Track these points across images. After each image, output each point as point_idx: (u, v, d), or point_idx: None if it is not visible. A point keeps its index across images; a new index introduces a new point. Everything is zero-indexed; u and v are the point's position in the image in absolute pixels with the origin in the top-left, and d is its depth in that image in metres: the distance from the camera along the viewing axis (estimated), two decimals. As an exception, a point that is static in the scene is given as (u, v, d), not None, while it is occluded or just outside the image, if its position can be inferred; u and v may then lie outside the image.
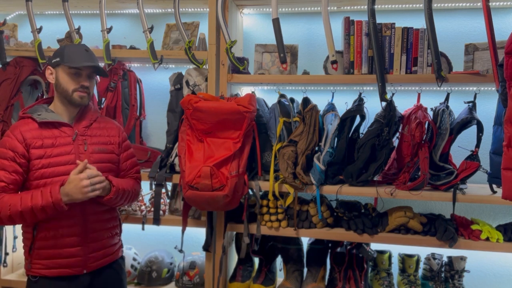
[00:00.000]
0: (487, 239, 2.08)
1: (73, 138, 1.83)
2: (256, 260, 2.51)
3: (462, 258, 2.27)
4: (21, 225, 1.84)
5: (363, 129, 2.22)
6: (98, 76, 2.28)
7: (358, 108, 2.18)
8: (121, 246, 2.05)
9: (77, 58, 1.82)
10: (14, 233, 2.65)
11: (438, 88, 2.12)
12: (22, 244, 1.87)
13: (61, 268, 1.81)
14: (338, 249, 2.37)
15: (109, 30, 2.38)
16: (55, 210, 1.72)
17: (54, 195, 1.70)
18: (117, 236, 2.02)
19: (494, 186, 2.09)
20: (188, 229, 2.32)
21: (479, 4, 2.26)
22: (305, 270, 2.38)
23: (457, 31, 2.44)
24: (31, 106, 1.90)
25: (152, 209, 2.39)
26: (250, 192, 2.28)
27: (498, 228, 2.17)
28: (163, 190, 2.31)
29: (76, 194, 1.71)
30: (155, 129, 2.77)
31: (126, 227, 2.28)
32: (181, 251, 2.34)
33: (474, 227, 2.13)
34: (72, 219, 1.81)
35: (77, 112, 1.90)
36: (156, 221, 2.38)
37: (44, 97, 2.27)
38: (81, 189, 1.71)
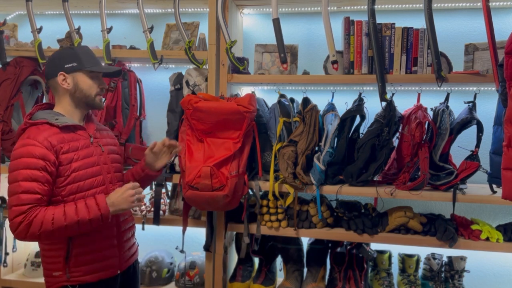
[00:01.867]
0: (487, 239, 2.08)
1: (91, 140, 1.82)
2: (256, 260, 2.51)
3: (462, 258, 2.27)
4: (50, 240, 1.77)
5: (363, 129, 2.22)
6: None
7: (358, 108, 2.18)
8: (138, 245, 2.09)
9: (95, 61, 1.83)
10: (14, 233, 2.65)
11: (438, 88, 2.12)
12: (43, 258, 1.80)
13: (101, 272, 1.79)
14: (338, 249, 2.38)
15: (109, 30, 2.38)
16: (102, 223, 1.70)
17: (102, 207, 1.67)
18: (134, 235, 2.05)
19: (494, 186, 2.09)
20: (188, 229, 2.32)
21: (479, 4, 2.26)
22: (305, 270, 2.38)
23: (457, 31, 2.44)
24: (33, 112, 1.79)
25: (152, 209, 2.39)
26: (250, 192, 2.28)
27: (498, 228, 2.17)
28: (163, 190, 2.31)
29: (122, 205, 1.71)
30: (155, 129, 2.77)
31: (126, 227, 2.28)
32: (182, 251, 2.33)
33: (474, 227, 2.13)
34: (109, 221, 1.78)
35: (85, 115, 1.88)
36: (156, 221, 2.38)
37: (44, 102, 2.23)
38: (127, 198, 1.71)
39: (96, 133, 1.87)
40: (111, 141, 1.96)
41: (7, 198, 2.53)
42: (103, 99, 1.89)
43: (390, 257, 2.38)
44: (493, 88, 2.17)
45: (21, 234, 1.62)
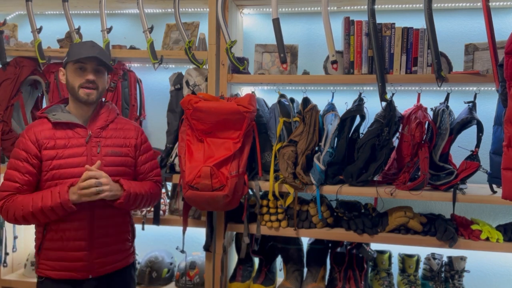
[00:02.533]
0: (487, 239, 2.08)
1: (86, 140, 1.81)
2: (256, 260, 2.51)
3: (462, 258, 2.27)
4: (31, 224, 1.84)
5: (363, 129, 2.22)
6: None
7: (358, 108, 2.18)
8: (133, 252, 2.01)
9: (81, 52, 1.79)
10: (14, 233, 2.65)
11: (438, 88, 2.12)
12: (34, 244, 1.88)
13: (66, 271, 1.79)
14: (338, 249, 2.37)
15: (109, 30, 2.38)
16: (64, 211, 1.71)
17: (62, 195, 1.70)
18: (128, 242, 1.97)
19: (494, 186, 2.09)
20: (188, 229, 2.32)
21: (479, 4, 2.26)
22: (305, 270, 2.38)
23: (457, 31, 2.44)
24: (50, 105, 1.89)
25: (152, 209, 2.39)
26: (250, 192, 2.28)
27: (498, 228, 2.17)
28: (163, 190, 2.30)
29: (81, 195, 1.71)
30: (155, 129, 2.76)
31: (126, 227, 2.27)
32: (182, 251, 2.33)
33: (474, 227, 2.13)
34: (79, 223, 1.79)
35: (91, 112, 1.86)
36: (156, 221, 2.38)
37: (44, 102, 2.23)
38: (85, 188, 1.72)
39: (100, 132, 1.85)
40: (118, 142, 1.89)
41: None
42: (90, 93, 1.80)
43: (390, 257, 2.38)
44: (493, 88, 2.17)
45: (3, 217, 1.78)
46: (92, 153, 1.81)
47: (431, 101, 2.27)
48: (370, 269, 2.38)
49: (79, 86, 1.79)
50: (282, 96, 2.30)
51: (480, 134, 2.09)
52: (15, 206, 1.73)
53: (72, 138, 1.80)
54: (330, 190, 2.14)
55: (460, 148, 2.25)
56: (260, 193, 2.24)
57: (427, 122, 2.10)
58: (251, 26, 2.67)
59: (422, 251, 2.37)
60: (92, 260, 1.82)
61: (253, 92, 2.42)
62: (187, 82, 2.34)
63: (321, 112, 2.22)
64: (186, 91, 2.34)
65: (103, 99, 1.97)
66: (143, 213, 2.42)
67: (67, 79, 1.83)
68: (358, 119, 2.23)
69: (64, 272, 1.79)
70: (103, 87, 1.87)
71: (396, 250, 2.41)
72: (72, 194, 1.71)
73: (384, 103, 2.15)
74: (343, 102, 2.29)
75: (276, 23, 2.17)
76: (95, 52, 1.80)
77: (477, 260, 2.41)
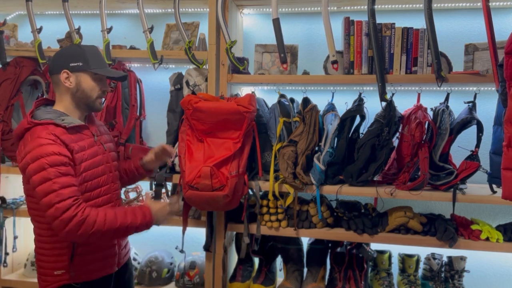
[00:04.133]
0: (487, 239, 2.08)
1: (94, 139, 1.82)
2: (256, 260, 2.51)
3: (462, 258, 2.27)
4: (33, 232, 1.79)
5: (363, 129, 2.22)
6: None
7: (358, 108, 2.18)
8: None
9: (101, 63, 1.80)
10: (14, 233, 2.64)
11: (438, 88, 2.12)
12: (42, 257, 1.77)
13: (102, 270, 1.81)
14: (338, 249, 2.37)
15: (109, 30, 2.38)
16: (147, 229, 1.77)
17: (148, 215, 1.75)
18: None
19: (494, 186, 2.09)
20: (188, 229, 2.32)
21: (479, 4, 2.26)
22: (305, 270, 2.38)
23: (457, 31, 2.44)
24: (33, 111, 1.75)
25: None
26: (250, 192, 2.28)
27: (498, 228, 2.17)
28: (163, 190, 2.30)
29: (160, 218, 1.82)
30: (155, 129, 2.77)
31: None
32: (182, 251, 2.33)
33: (474, 227, 2.13)
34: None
35: (86, 115, 1.87)
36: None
37: (42, 97, 2.18)
38: (165, 214, 1.83)
39: (97, 131, 1.88)
40: (109, 138, 1.96)
41: (7, 198, 2.57)
42: (103, 99, 1.87)
43: (390, 257, 2.38)
44: (493, 88, 2.17)
45: (73, 231, 1.58)
46: (102, 152, 1.84)
47: (431, 101, 2.27)
48: (370, 269, 2.38)
49: (97, 97, 1.80)
50: (282, 96, 2.30)
51: (480, 134, 2.09)
52: (96, 220, 1.61)
53: (85, 139, 1.78)
54: (330, 190, 2.14)
55: (460, 148, 2.25)
56: (260, 193, 2.24)
57: (427, 122, 2.10)
58: (251, 26, 2.67)
59: (422, 251, 2.37)
60: (120, 252, 1.89)
61: (253, 92, 2.42)
62: (187, 82, 2.34)
63: (321, 112, 2.22)
64: (186, 91, 2.34)
65: None
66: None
67: (80, 86, 1.75)
68: (358, 119, 2.23)
69: (100, 271, 1.81)
70: None
71: (396, 250, 2.41)
72: (154, 216, 1.78)
73: (384, 103, 2.15)
74: (343, 102, 2.29)
75: (276, 23, 2.17)
76: (119, 73, 1.87)
77: (477, 260, 2.41)
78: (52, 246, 1.75)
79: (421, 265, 2.38)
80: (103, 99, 1.88)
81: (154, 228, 2.39)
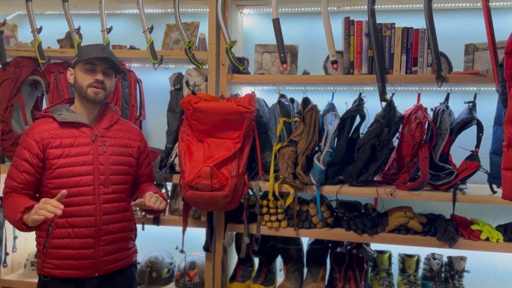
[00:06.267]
0: (487, 239, 2.08)
1: (92, 139, 1.83)
2: (256, 260, 2.51)
3: (462, 258, 2.27)
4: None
5: (363, 129, 2.21)
6: None
7: (358, 108, 2.18)
8: (135, 251, 2.03)
9: (91, 53, 1.83)
10: (14, 233, 2.65)
11: (438, 88, 2.12)
12: (35, 243, 1.85)
13: (73, 270, 1.79)
14: (338, 249, 2.37)
15: (109, 30, 2.38)
16: (16, 226, 1.69)
17: (19, 212, 1.65)
18: (132, 240, 1.99)
19: (494, 186, 2.09)
20: (188, 229, 2.32)
21: (479, 4, 2.26)
22: (305, 270, 2.38)
23: (457, 31, 2.44)
24: (53, 105, 1.91)
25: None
26: (250, 192, 2.28)
27: (498, 228, 2.17)
28: (163, 190, 2.31)
29: (32, 214, 1.60)
30: (155, 129, 2.77)
31: (126, 227, 2.27)
32: (182, 251, 2.33)
33: (474, 227, 2.13)
34: (87, 220, 1.79)
35: (97, 113, 1.90)
36: (156, 221, 2.38)
37: (44, 102, 2.25)
38: (36, 211, 1.59)
39: (105, 132, 1.88)
40: (123, 142, 1.92)
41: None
42: (98, 92, 1.83)
43: (390, 257, 2.38)
44: (493, 88, 2.17)
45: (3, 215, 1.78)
46: (98, 152, 1.83)
47: (431, 101, 2.27)
48: (370, 269, 2.38)
49: (88, 85, 1.82)
50: (282, 96, 2.30)
51: (480, 134, 2.09)
52: (6, 206, 1.75)
53: (78, 137, 1.82)
54: (330, 190, 2.14)
55: (460, 148, 2.25)
56: (260, 193, 2.24)
57: (427, 122, 2.10)
58: (251, 26, 2.67)
59: (422, 251, 2.37)
60: (99, 258, 1.82)
61: (253, 92, 2.42)
62: (187, 82, 2.34)
63: (321, 112, 2.22)
64: (186, 91, 2.34)
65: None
66: (143, 213, 2.42)
67: (75, 78, 1.86)
68: (358, 119, 2.23)
69: (70, 271, 1.79)
70: (110, 89, 1.91)
71: (396, 250, 2.41)
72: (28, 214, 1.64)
73: (384, 103, 2.15)
74: (343, 102, 2.29)
75: (276, 23, 2.17)
76: (105, 54, 1.84)
77: (477, 260, 2.41)
78: (39, 233, 1.84)
79: (421, 265, 2.38)
80: (102, 91, 1.84)
81: (154, 228, 2.42)
